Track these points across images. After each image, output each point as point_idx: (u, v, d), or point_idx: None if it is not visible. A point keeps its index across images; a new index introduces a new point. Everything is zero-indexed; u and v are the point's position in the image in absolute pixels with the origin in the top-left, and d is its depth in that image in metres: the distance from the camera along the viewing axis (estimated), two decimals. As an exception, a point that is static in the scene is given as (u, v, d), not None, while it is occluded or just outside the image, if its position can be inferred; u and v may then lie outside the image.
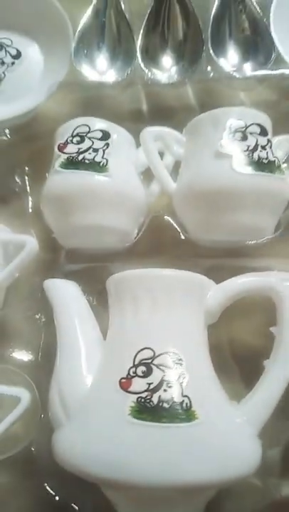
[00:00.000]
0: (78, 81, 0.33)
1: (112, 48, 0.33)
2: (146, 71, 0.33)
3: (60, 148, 0.29)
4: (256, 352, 0.27)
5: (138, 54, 0.33)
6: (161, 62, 0.33)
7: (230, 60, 0.32)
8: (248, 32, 0.33)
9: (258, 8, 0.33)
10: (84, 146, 0.28)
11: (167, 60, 0.33)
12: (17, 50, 0.36)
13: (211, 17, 0.34)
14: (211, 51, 0.32)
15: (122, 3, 0.36)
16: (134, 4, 0.37)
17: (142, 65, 0.33)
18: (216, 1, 0.35)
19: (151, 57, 0.33)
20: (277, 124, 0.31)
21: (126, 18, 0.35)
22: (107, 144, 0.29)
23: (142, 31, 0.34)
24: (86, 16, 0.35)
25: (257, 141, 0.27)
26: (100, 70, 0.33)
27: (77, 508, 0.25)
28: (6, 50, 0.36)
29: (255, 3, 0.34)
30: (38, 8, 0.35)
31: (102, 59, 0.33)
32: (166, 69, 0.33)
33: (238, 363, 0.29)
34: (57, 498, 0.25)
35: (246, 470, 0.23)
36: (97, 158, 0.28)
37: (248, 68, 0.32)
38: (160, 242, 0.31)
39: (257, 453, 0.23)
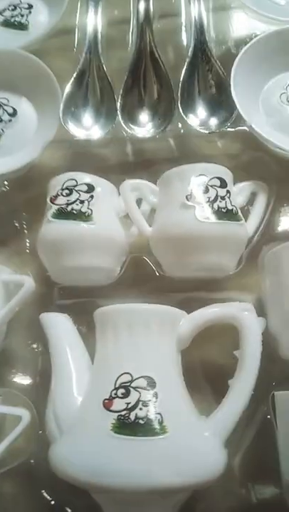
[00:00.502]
0: (67, 137, 0.37)
1: (96, 107, 0.38)
2: (126, 127, 0.37)
3: (52, 200, 0.34)
4: (224, 372, 0.30)
5: (118, 112, 0.38)
6: (139, 119, 0.38)
7: (198, 116, 0.37)
8: (213, 91, 0.38)
9: (222, 69, 0.38)
10: (72, 198, 0.33)
11: (144, 117, 0.38)
12: (13, 109, 0.40)
13: (181, 77, 0.38)
14: (180, 109, 0.37)
15: (103, 65, 0.41)
16: (114, 64, 0.42)
17: (122, 122, 0.38)
18: (186, 63, 0.40)
19: (129, 114, 0.38)
20: (239, 172, 0.36)
21: (108, 78, 0.39)
22: (92, 196, 0.33)
23: (121, 92, 0.38)
24: (72, 78, 0.40)
25: (217, 192, 0.32)
26: (86, 127, 0.38)
27: (70, 511, 0.29)
28: (3, 109, 0.40)
29: (219, 64, 0.39)
30: (32, 72, 0.40)
31: (87, 117, 0.38)
32: (143, 125, 0.37)
33: (209, 382, 0.32)
34: (52, 502, 0.29)
35: (210, 476, 0.27)
36: (83, 209, 0.33)
37: (213, 124, 0.37)
38: (139, 278, 0.35)
39: (221, 461, 0.28)
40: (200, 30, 0.40)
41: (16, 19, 0.45)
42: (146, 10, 0.43)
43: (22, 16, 0.45)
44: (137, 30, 0.42)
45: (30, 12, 0.45)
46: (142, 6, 0.42)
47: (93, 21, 0.43)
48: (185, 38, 0.43)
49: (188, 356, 0.31)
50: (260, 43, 0.38)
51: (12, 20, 0.45)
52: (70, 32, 0.45)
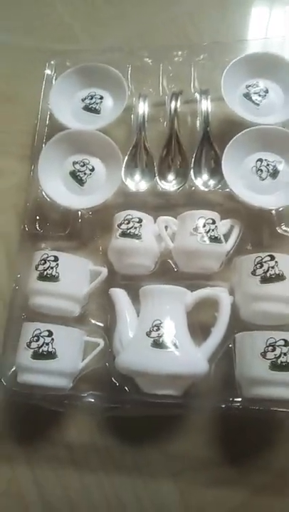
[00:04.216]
0: (125, 188, 0.63)
1: (142, 170, 0.63)
2: (160, 184, 0.63)
3: (118, 226, 0.59)
4: (209, 324, 0.53)
5: (156, 174, 0.63)
6: (167, 178, 0.63)
7: (202, 179, 0.62)
8: (212, 164, 0.62)
9: (217, 151, 0.63)
10: (129, 226, 0.58)
11: (171, 177, 0.63)
12: (92, 166, 0.63)
13: (194, 154, 0.63)
14: (192, 175, 0.62)
15: (147, 141, 0.65)
16: (154, 134, 0.65)
17: (158, 180, 0.63)
18: (198, 144, 0.65)
19: (162, 175, 0.63)
20: (224, 213, 0.60)
21: (149, 152, 0.64)
22: (141, 224, 0.58)
23: (158, 160, 0.64)
24: (129, 150, 0.65)
25: (210, 227, 0.57)
26: (136, 182, 0.63)
27: (127, 388, 0.54)
28: (86, 166, 0.65)
29: (216, 147, 0.63)
30: (104, 144, 0.62)
31: (137, 177, 0.64)
32: (170, 182, 0.63)
33: (202, 330, 0.54)
34: (116, 384, 0.54)
35: (199, 371, 0.51)
36: (136, 232, 0.57)
37: (211, 184, 0.61)
38: (165, 272, 0.58)
39: (205, 366, 0.51)
40: (205, 122, 0.64)
41: (93, 106, 0.68)
42: (175, 101, 0.67)
43: (96, 103, 0.68)
44: (169, 116, 0.66)
45: (101, 101, 0.68)
46: (173, 103, 0.67)
47: (142, 107, 0.67)
48: (198, 122, 0.66)
49: (192, 316, 0.54)
50: (244, 135, 0.61)
51: (90, 106, 0.68)
52: (128, 110, 0.67)
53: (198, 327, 0.55)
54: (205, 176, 0.62)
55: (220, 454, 0.54)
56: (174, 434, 0.55)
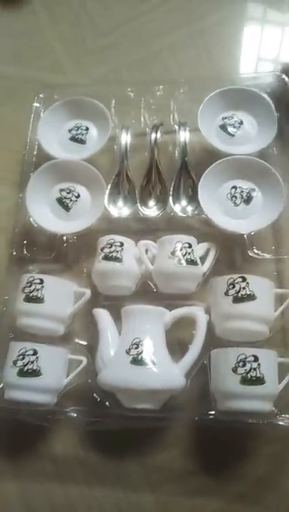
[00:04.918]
0: (108, 214, 0.67)
1: (124, 197, 0.68)
2: (141, 209, 0.67)
3: (101, 249, 0.63)
4: (187, 341, 0.56)
5: (137, 201, 0.68)
6: (148, 204, 0.67)
7: (181, 205, 0.67)
8: (190, 192, 0.67)
9: (195, 180, 0.67)
10: (111, 249, 0.62)
11: (151, 203, 0.68)
12: (78, 193, 0.67)
13: (172, 183, 0.68)
14: (171, 201, 0.66)
15: (129, 171, 0.70)
16: (135, 163, 0.70)
17: (139, 205, 0.68)
18: (176, 172, 0.69)
19: (143, 202, 0.67)
20: (201, 237, 0.64)
21: (131, 180, 0.69)
22: (122, 248, 0.62)
23: (139, 188, 0.68)
24: (112, 179, 0.69)
25: (186, 250, 0.60)
26: (119, 208, 0.68)
27: (108, 403, 0.57)
28: (72, 193, 0.69)
29: (194, 176, 0.68)
30: (89, 173, 0.66)
31: (120, 203, 0.68)
32: (150, 208, 0.67)
33: (180, 347, 0.57)
34: (98, 399, 0.57)
35: (176, 386, 0.54)
36: (118, 255, 0.61)
37: (189, 210, 0.66)
38: (146, 292, 0.61)
39: (182, 381, 0.55)
40: (183, 152, 0.69)
41: (79, 136, 0.71)
42: (156, 132, 0.71)
43: (82, 134, 0.72)
44: (150, 146, 0.70)
45: (87, 132, 0.72)
46: (153, 134, 0.71)
47: (124, 138, 0.71)
48: (177, 152, 0.70)
49: (171, 334, 0.57)
50: (219, 164, 0.65)
51: (76, 137, 0.72)
52: (112, 140, 0.71)
53: (177, 344, 0.58)
54: (183, 202, 0.67)
55: (197, 464, 0.57)
56: (153, 446, 0.58)
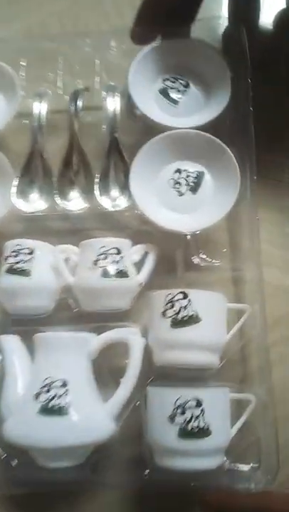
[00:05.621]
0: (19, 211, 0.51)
1: (39, 187, 0.52)
2: (61, 204, 0.52)
3: (5, 259, 0.49)
4: (122, 372, 0.44)
5: (55, 190, 0.52)
6: (69, 196, 0.53)
7: (111, 197, 0.52)
8: (123, 178, 0.52)
9: (128, 162, 0.52)
10: (17, 259, 0.48)
11: (73, 195, 0.53)
12: None
13: (100, 167, 0.53)
14: (98, 192, 0.52)
15: (44, 154, 0.53)
16: (53, 146, 0.55)
17: (58, 198, 0.52)
18: (104, 153, 0.54)
19: (63, 193, 0.53)
20: (136, 237, 0.51)
21: (48, 165, 0.53)
22: (32, 256, 0.49)
23: (57, 177, 0.53)
24: (23, 163, 0.54)
25: (114, 258, 0.46)
26: (31, 201, 0.52)
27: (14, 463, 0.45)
28: None
29: (127, 158, 0.53)
30: None
31: (33, 194, 0.52)
32: (72, 201, 0.52)
33: (111, 378, 0.46)
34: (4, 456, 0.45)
35: (101, 437, 0.43)
36: (24, 267, 0.47)
37: (121, 203, 0.51)
38: (66, 312, 0.49)
39: (109, 429, 0.43)
40: (112, 127, 0.53)
41: None
42: (75, 102, 0.55)
43: None
44: (70, 120, 0.55)
45: None
46: (72, 104, 0.55)
47: (38, 108, 0.54)
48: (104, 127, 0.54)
49: (104, 360, 0.46)
50: (158, 141, 0.51)
51: None
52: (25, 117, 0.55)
53: (108, 372, 0.47)
54: (114, 193, 0.52)
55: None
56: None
